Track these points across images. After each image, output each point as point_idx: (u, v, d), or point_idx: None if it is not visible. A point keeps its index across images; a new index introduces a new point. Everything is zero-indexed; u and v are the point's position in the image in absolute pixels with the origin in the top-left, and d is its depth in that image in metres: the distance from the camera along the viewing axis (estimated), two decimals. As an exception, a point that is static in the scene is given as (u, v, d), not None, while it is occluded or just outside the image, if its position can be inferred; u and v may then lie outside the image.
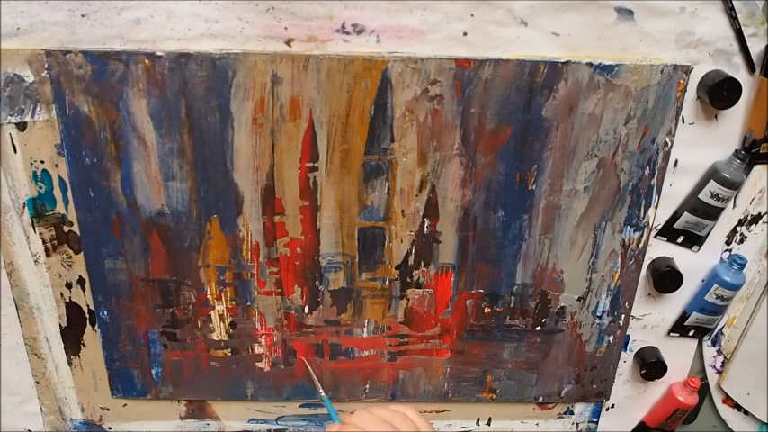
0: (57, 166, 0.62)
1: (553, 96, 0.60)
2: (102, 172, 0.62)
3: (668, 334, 0.75)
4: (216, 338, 0.71)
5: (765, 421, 0.80)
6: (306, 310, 0.70)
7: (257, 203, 0.64)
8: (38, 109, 0.59)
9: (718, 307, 0.71)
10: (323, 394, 0.66)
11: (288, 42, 0.57)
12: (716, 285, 0.70)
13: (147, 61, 0.57)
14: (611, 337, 0.73)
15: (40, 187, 0.63)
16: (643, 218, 0.67)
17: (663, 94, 0.60)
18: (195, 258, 0.66)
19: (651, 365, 0.74)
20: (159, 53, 0.56)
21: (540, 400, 0.78)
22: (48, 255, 0.66)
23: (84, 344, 0.72)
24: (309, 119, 0.60)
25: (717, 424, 0.83)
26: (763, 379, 0.77)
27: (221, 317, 0.70)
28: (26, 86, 0.58)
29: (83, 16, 0.55)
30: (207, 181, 0.62)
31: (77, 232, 0.65)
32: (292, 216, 0.65)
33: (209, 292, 0.68)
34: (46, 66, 0.57)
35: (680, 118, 0.62)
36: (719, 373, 0.78)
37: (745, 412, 0.81)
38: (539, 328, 0.72)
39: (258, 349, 0.72)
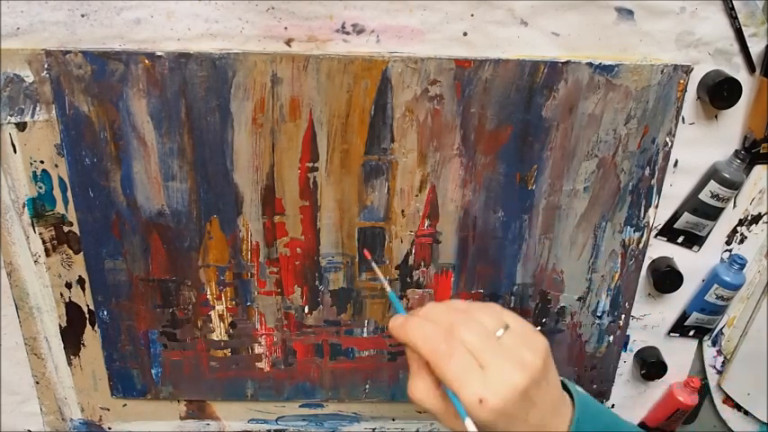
0: (56, 166, 0.62)
1: (553, 96, 0.60)
2: (102, 172, 0.62)
3: (668, 334, 0.75)
4: (216, 338, 0.71)
5: (766, 421, 0.80)
6: (306, 310, 0.70)
7: (257, 203, 0.64)
8: (38, 109, 0.59)
9: (718, 307, 0.71)
10: (389, 289, 0.60)
11: (288, 42, 0.57)
12: (716, 285, 0.70)
13: (147, 61, 0.57)
14: (611, 338, 0.73)
15: (40, 187, 0.63)
16: (643, 218, 0.66)
17: (663, 94, 0.60)
18: (195, 258, 0.66)
19: (651, 365, 0.74)
20: (159, 53, 0.56)
21: (540, 400, 0.78)
22: (47, 255, 0.66)
23: (83, 344, 0.72)
24: (309, 119, 0.60)
25: (717, 424, 0.83)
26: (763, 379, 0.77)
27: (221, 317, 0.70)
28: (26, 86, 0.58)
29: (83, 16, 0.55)
30: (207, 181, 0.62)
31: (77, 232, 0.65)
32: (292, 216, 0.65)
33: (209, 292, 0.68)
34: (46, 66, 0.57)
35: (680, 118, 0.62)
36: (720, 373, 0.78)
37: (746, 412, 0.81)
38: (539, 328, 0.72)
39: (258, 349, 0.72)
